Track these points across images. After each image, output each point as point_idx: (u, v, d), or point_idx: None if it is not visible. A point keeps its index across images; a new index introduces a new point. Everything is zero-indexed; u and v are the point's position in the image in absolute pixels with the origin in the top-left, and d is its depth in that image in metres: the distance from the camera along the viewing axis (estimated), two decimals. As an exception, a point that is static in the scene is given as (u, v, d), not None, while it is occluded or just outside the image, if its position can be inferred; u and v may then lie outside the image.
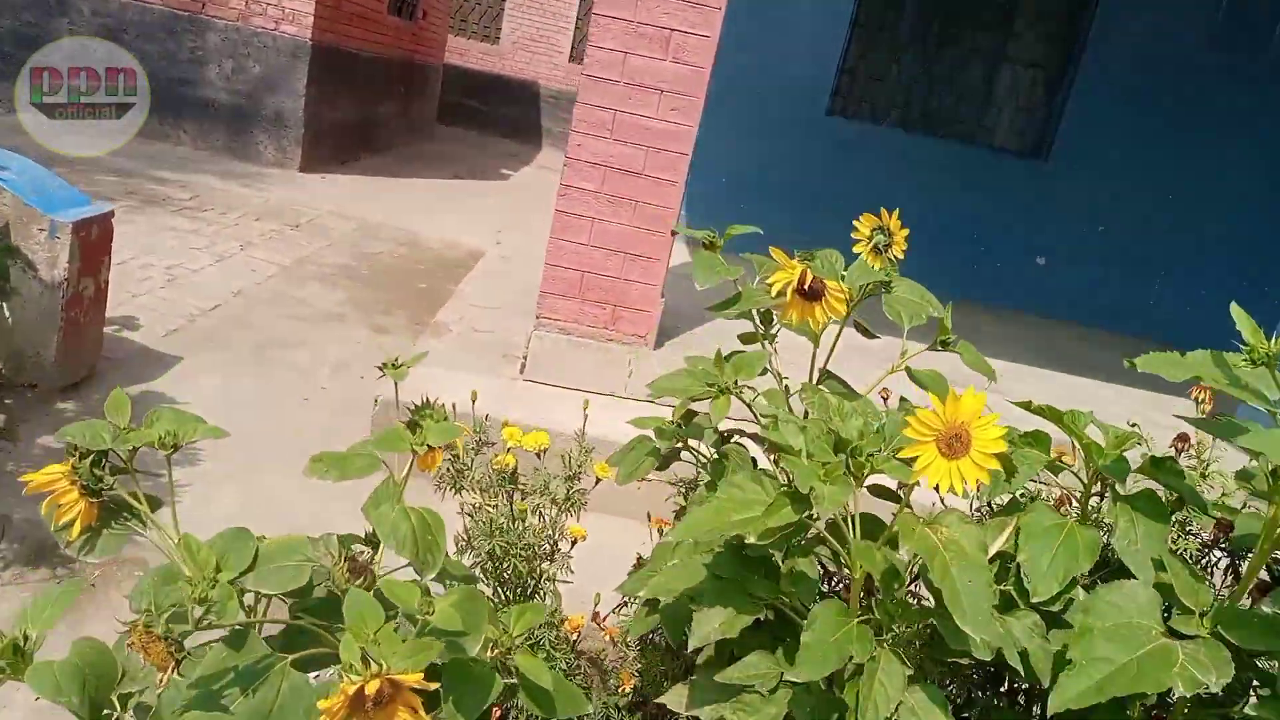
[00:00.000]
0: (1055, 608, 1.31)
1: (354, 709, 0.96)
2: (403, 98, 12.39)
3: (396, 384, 1.63)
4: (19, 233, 3.26)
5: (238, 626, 1.18)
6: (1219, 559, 1.68)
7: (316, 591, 1.42)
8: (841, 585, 1.76)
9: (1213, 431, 1.46)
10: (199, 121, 8.59)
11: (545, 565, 2.15)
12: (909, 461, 1.19)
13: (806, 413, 1.63)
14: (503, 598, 2.22)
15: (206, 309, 4.76)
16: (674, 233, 1.97)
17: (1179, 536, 1.66)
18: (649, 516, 2.28)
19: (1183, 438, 1.91)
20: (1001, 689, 1.61)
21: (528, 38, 18.17)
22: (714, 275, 1.86)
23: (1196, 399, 1.88)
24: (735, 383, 1.80)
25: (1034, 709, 1.55)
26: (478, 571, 2.16)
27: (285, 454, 3.49)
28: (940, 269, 7.24)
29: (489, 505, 2.15)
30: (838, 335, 1.80)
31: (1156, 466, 1.42)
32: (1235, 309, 1.31)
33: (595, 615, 2.31)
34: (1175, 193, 6.98)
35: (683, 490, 2.19)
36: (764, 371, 1.74)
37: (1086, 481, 1.45)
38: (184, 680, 1.16)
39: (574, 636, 2.11)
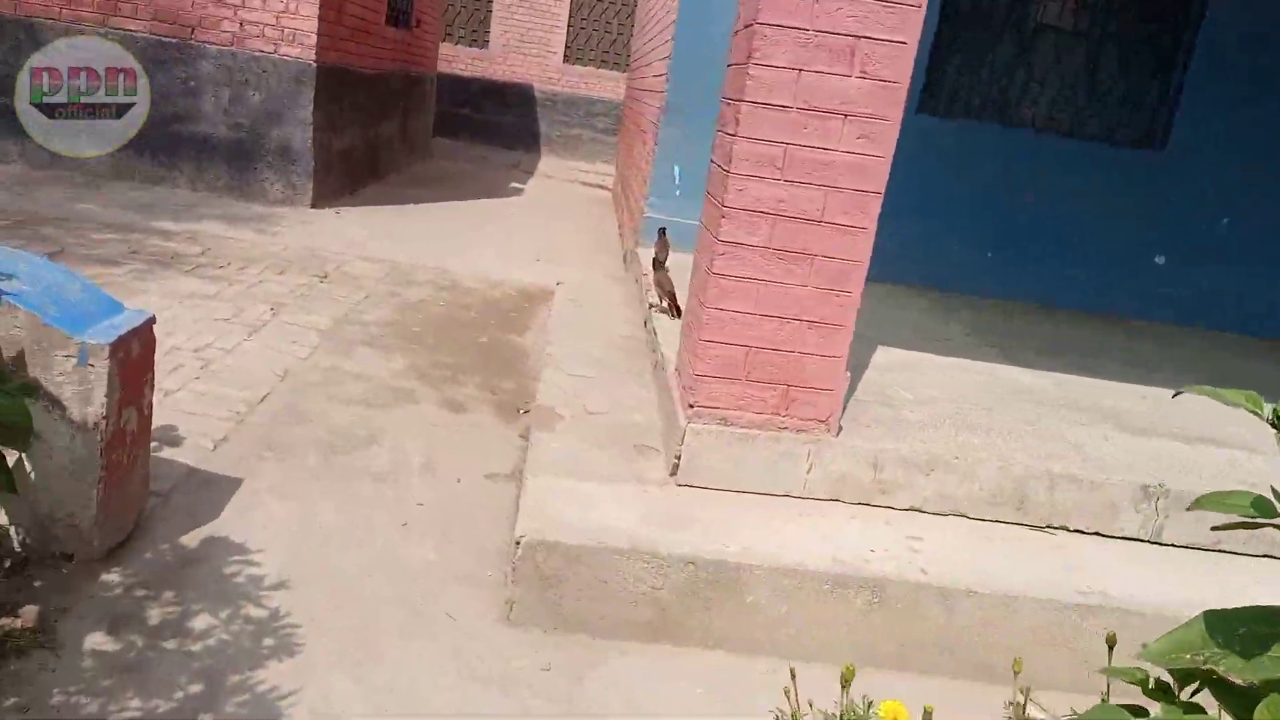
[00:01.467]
0: None
1: None
2: (403, 114, 11.54)
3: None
4: (38, 362, 2.44)
5: None
6: None
7: None
8: None
9: None
10: (196, 161, 7.72)
11: None
12: None
13: None
14: None
15: (254, 402, 3.93)
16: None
17: None
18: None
19: None
20: None
21: (518, 39, 17.31)
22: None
23: None
24: None
25: None
26: None
27: (404, 613, 2.69)
28: (1051, 276, 6.51)
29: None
30: None
31: None
32: None
33: None
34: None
35: None
36: None
37: None
38: None
39: None
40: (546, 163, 16.34)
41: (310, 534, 3.03)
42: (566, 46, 17.37)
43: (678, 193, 6.13)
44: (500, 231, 8.71)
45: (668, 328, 4.25)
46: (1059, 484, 3.21)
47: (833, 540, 2.91)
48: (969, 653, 2.80)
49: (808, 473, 3.16)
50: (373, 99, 9.75)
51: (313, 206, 7.93)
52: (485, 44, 17.40)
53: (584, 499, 2.92)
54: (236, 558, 2.84)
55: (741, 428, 3.13)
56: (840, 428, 3.21)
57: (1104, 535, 3.25)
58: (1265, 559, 3.29)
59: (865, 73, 2.86)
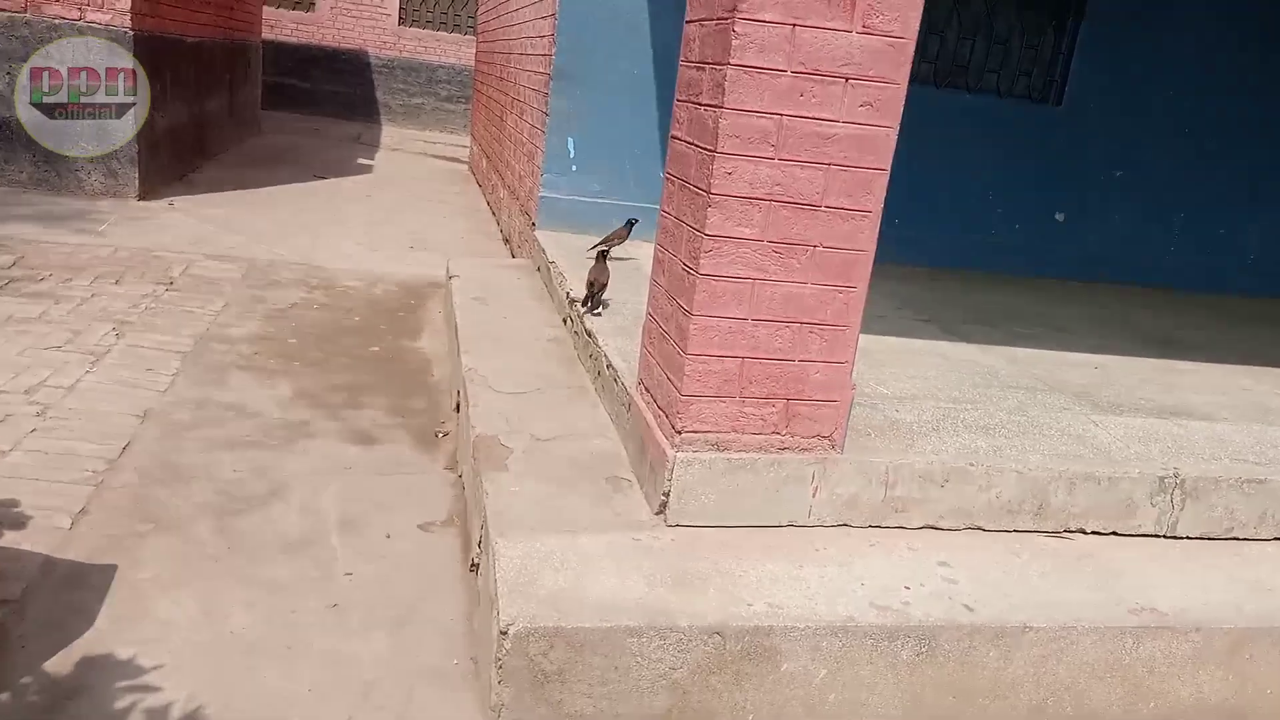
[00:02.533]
0: None
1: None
2: (229, 86, 10.38)
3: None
4: None
5: None
6: None
7: None
8: None
9: None
10: (-8, 149, 6.56)
11: None
12: None
13: None
14: None
15: (113, 457, 3.18)
16: None
17: None
18: None
19: None
20: None
21: (348, 1, 16.05)
22: None
23: None
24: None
25: None
26: None
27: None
28: (956, 238, 6.32)
29: None
30: None
31: None
32: None
33: None
34: (1194, 130, 6.29)
35: None
36: None
37: None
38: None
39: None
40: (390, 134, 15.30)
41: (220, 639, 2.38)
42: (401, 8, 16.25)
43: (574, 168, 5.57)
44: (362, 216, 7.89)
45: (607, 330, 3.72)
46: (1078, 485, 2.91)
47: (863, 580, 2.50)
48: (1024, 695, 2.46)
49: (813, 497, 2.73)
50: (197, 70, 8.65)
51: (141, 198, 6.91)
52: (311, 6, 16.07)
53: (573, 561, 2.39)
54: (127, 683, 2.18)
55: (738, 452, 2.67)
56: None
57: (1120, 534, 2.99)
58: (1276, 541, 3.11)
59: (868, 27, 2.41)
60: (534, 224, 5.66)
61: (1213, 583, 2.78)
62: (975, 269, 6.26)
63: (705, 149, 2.50)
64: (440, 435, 3.78)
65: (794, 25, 2.38)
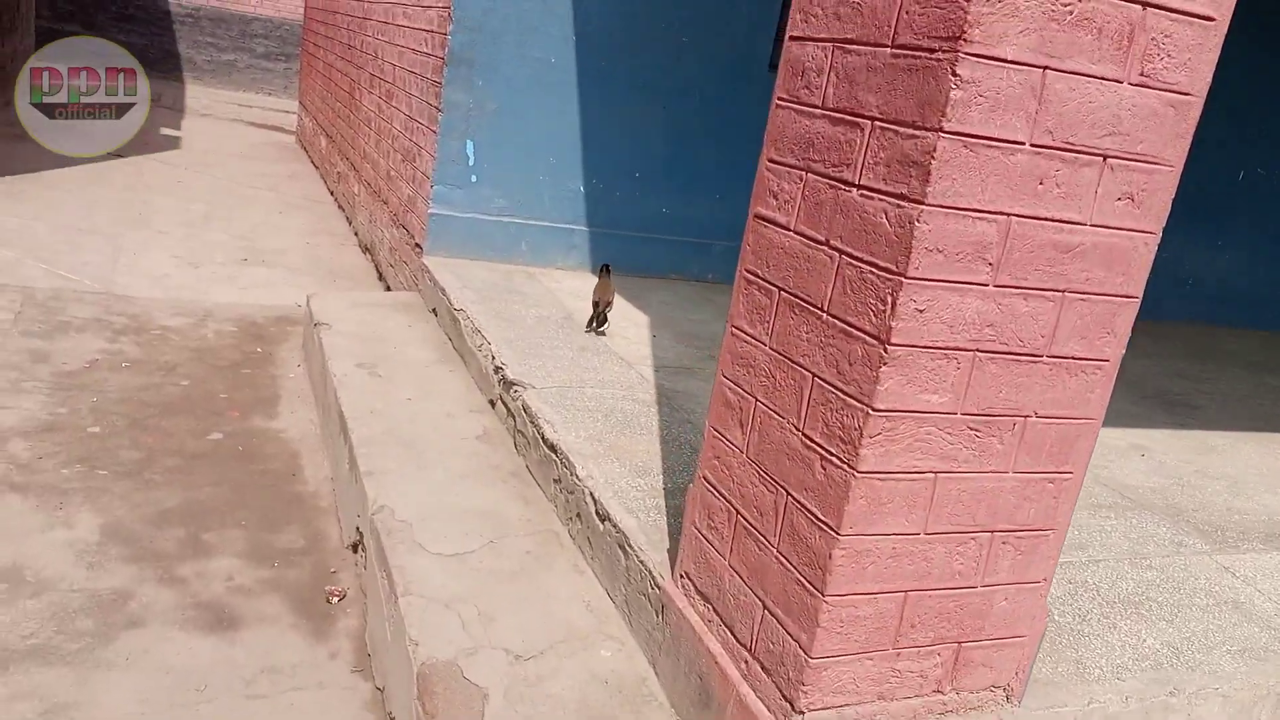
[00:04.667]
0: None
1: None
2: (-8, 35, 8.37)
3: None
4: None
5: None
6: None
7: None
8: None
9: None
10: None
11: None
12: None
13: None
14: None
15: None
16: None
17: None
18: None
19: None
20: None
21: (140, -64, 13.73)
22: None
23: None
24: None
25: None
26: None
27: None
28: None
29: None
30: None
31: None
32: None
33: None
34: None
35: None
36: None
37: None
38: None
39: None
40: (196, 96, 13.22)
41: None
42: (208, -53, 14.06)
43: (474, 178, 4.38)
44: (175, 212, 6.32)
45: (580, 446, 2.64)
46: (1284, 701, 2.12)
47: None
48: None
49: (978, 776, 1.80)
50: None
51: None
52: (95, -61, 13.62)
53: None
54: None
55: (881, 728, 1.69)
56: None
57: (1315, 750, 2.24)
58: None
59: (1146, 75, 1.46)
60: (419, 246, 4.44)
61: None
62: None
63: (876, 267, 1.48)
64: (335, 600, 2.60)
65: (1045, 69, 1.39)
